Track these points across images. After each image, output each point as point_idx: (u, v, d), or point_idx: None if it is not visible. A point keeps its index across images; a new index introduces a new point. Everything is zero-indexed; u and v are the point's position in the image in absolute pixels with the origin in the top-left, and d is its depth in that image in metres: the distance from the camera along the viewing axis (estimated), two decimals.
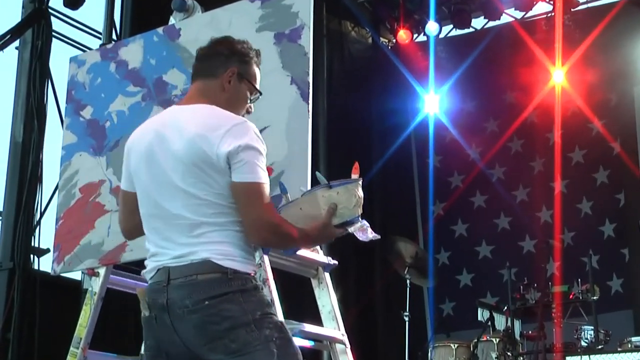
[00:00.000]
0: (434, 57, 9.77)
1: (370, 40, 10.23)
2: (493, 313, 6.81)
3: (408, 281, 7.05)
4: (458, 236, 9.65)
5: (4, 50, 6.23)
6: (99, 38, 6.93)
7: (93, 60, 4.58)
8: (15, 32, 6.26)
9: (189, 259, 2.52)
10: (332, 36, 9.63)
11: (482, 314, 6.89)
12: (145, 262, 2.69)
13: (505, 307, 6.85)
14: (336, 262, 4.08)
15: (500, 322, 6.83)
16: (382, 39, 10.34)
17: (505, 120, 9.50)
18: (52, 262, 4.40)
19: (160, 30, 4.34)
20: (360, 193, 2.72)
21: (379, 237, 2.77)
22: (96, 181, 4.34)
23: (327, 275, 4.06)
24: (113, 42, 6.23)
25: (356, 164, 2.77)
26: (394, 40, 10.32)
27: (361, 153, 9.37)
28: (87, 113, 4.49)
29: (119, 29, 6.86)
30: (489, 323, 6.74)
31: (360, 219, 2.73)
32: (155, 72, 4.31)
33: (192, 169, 2.54)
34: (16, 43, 6.42)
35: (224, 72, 2.73)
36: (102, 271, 4.22)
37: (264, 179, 2.55)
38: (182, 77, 4.21)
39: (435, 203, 9.74)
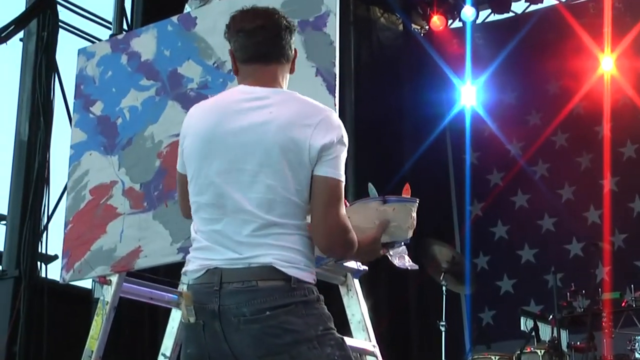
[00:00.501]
0: (471, 44, 9.73)
1: (401, 27, 10.21)
2: (537, 322, 6.78)
3: (444, 288, 7.03)
4: (498, 239, 9.60)
5: (8, 42, 6.28)
6: (109, 28, 6.98)
7: (103, 52, 4.61)
8: (19, 23, 6.30)
9: (247, 262, 2.49)
10: (359, 23, 9.62)
11: (526, 324, 6.86)
12: (189, 257, 2.63)
13: (551, 316, 6.81)
14: (366, 268, 4.08)
15: (546, 332, 6.79)
16: (414, 26, 10.32)
17: (549, 113, 9.44)
18: (61, 270, 4.43)
19: (174, 19, 4.37)
20: (415, 215, 2.72)
21: (416, 267, 2.77)
22: (107, 182, 4.37)
23: (356, 282, 4.06)
24: (124, 33, 6.28)
25: (407, 186, 2.77)
26: (427, 27, 10.29)
27: (392, 149, 9.36)
28: (97, 109, 4.52)
29: (130, 18, 6.90)
30: (533, 333, 6.71)
31: (402, 244, 2.73)
32: (169, 64, 4.33)
33: (274, 158, 2.51)
34: (20, 34, 6.47)
35: (292, 54, 2.72)
36: (114, 279, 4.24)
37: (344, 179, 2.56)
38: (199, 69, 4.23)
39: (473, 203, 9.70)
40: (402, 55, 10.08)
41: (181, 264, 4.55)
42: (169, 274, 5.10)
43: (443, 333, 6.86)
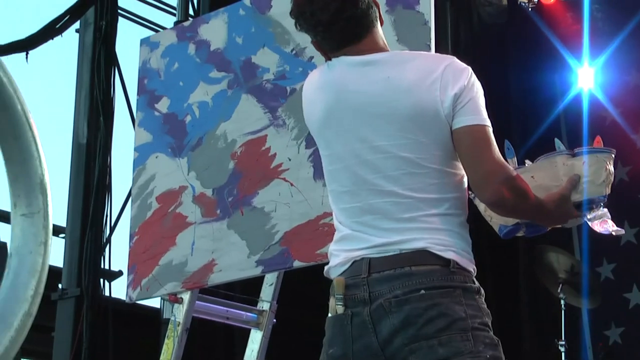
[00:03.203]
0: (589, 18, 9.58)
1: (505, 1, 10.12)
2: None
3: (562, 302, 6.94)
4: (625, 243, 9.42)
5: (63, 34, 6.39)
6: (174, 14, 7.06)
7: (168, 41, 4.67)
8: (74, 12, 6.40)
9: (398, 248, 2.49)
10: None
11: None
12: (331, 250, 2.62)
13: None
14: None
15: None
16: None
17: None
18: (127, 288, 4.50)
19: (247, 1, 4.40)
20: (612, 169, 2.67)
21: (622, 232, 2.71)
22: (176, 188, 4.42)
23: None
24: (190, 19, 6.35)
25: (598, 138, 2.70)
26: (536, 0, 10.17)
27: (498, 141, 9.24)
28: (163, 106, 4.58)
29: (196, 2, 6.96)
30: None
31: (603, 205, 2.67)
32: (242, 53, 4.37)
33: (406, 127, 2.52)
34: (76, 25, 6.59)
35: (375, 10, 2.70)
36: (186, 297, 4.29)
37: (489, 122, 2.55)
38: (275, 57, 4.25)
39: None
40: (507, 34, 9.98)
41: (260, 279, 4.59)
42: (246, 290, 5.13)
43: (562, 354, 6.78)
